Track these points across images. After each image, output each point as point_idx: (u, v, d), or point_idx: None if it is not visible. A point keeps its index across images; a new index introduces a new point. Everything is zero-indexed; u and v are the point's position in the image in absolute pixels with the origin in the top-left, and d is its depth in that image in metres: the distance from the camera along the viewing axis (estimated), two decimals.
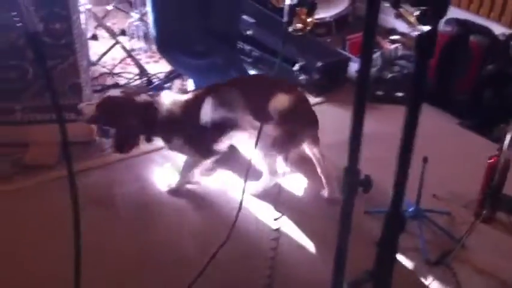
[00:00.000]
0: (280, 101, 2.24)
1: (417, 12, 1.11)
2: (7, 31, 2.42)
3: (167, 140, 2.33)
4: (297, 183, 2.56)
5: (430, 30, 1.12)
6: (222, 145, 2.38)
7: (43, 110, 2.61)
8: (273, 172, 2.37)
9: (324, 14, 3.92)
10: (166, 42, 2.48)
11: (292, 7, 1.93)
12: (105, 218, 2.30)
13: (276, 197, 2.23)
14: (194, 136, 2.29)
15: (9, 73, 2.53)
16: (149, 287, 2.01)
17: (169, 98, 2.31)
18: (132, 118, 2.22)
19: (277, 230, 2.02)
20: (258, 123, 2.14)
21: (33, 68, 2.52)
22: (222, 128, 2.30)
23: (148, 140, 2.32)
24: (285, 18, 1.96)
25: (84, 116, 2.26)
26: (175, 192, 2.46)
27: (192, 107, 2.27)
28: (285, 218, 2.23)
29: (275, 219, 2.07)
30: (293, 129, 2.29)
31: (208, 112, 2.24)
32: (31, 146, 2.63)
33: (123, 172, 2.59)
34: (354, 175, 1.38)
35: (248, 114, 2.25)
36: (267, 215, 2.33)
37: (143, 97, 2.27)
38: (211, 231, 2.25)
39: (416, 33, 1.13)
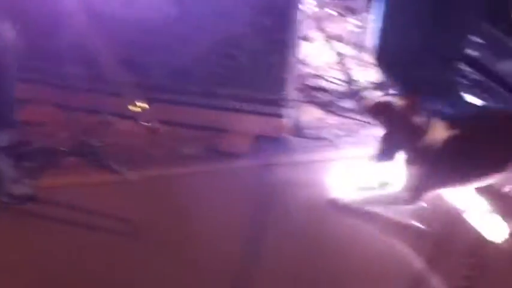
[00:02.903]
0: None
1: None
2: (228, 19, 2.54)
3: (415, 164, 2.20)
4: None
5: None
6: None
7: (245, 100, 2.69)
8: None
9: None
10: (387, 53, 2.41)
11: None
12: (276, 214, 2.26)
13: None
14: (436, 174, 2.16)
15: (221, 60, 2.64)
16: None
17: (439, 128, 2.18)
18: (406, 132, 2.18)
19: None
20: None
21: (242, 56, 2.59)
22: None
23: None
24: None
25: (365, 109, 2.33)
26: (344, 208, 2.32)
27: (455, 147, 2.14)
28: None
29: None
30: None
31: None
32: (227, 133, 2.72)
33: (305, 174, 2.53)
34: None
35: None
36: None
37: (419, 119, 2.19)
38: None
39: None
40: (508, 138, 2.17)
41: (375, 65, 2.58)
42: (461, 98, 2.56)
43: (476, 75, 3.18)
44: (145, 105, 2.48)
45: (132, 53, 2.67)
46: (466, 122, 2.26)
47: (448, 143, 2.13)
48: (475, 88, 3.16)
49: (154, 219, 2.17)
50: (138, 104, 2.47)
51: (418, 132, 2.14)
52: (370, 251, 2.13)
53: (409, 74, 2.35)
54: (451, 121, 2.20)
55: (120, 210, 2.17)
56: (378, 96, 2.38)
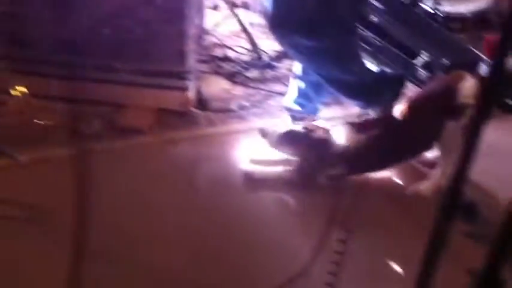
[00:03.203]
0: None
1: None
2: None
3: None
4: None
5: None
6: None
7: (144, 73, 2.57)
8: None
9: (462, 8, 3.55)
10: (280, 18, 2.31)
11: None
12: (181, 189, 2.22)
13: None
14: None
15: (116, 31, 2.49)
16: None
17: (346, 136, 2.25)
18: (311, 152, 2.21)
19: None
20: None
21: (139, 28, 2.47)
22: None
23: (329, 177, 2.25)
24: None
25: (268, 140, 2.28)
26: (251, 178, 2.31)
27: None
28: None
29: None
30: None
31: None
32: (127, 108, 2.61)
33: (211, 147, 2.49)
34: (455, 197, 1.12)
35: None
36: None
37: (319, 133, 2.25)
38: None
39: None
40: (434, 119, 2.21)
41: (270, 34, 2.49)
42: (362, 65, 2.54)
43: (377, 41, 3.22)
44: (24, 90, 2.32)
45: (21, 27, 2.48)
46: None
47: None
48: (376, 54, 3.21)
49: (52, 203, 2.04)
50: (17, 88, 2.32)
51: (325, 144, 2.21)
52: (276, 222, 2.12)
53: (305, 42, 2.27)
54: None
55: (17, 195, 2.04)
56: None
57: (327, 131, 2.27)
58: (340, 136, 2.24)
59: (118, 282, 1.78)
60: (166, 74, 2.55)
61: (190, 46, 2.54)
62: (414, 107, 2.25)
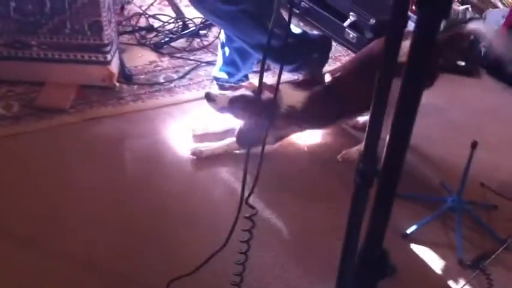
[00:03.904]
0: None
1: None
2: None
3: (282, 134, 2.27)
4: None
5: None
6: None
7: (61, 48, 2.42)
8: None
9: None
10: None
11: None
12: (107, 170, 2.14)
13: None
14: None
15: (26, 5, 2.33)
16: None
17: (289, 94, 2.23)
18: (258, 116, 2.12)
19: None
20: None
21: (51, 1, 2.31)
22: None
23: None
24: None
25: (216, 104, 2.18)
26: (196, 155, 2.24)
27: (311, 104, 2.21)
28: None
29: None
30: None
31: None
32: (45, 86, 2.46)
33: (138, 124, 2.39)
34: (371, 163, 1.09)
35: None
36: None
37: (267, 94, 2.16)
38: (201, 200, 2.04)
39: None
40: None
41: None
42: (285, 27, 2.44)
43: (304, 3, 3.17)
44: None
45: None
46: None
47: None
48: (304, 16, 3.16)
49: None
50: None
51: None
52: (204, 197, 2.07)
53: (222, 7, 2.17)
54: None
55: None
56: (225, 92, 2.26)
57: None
58: (284, 96, 2.21)
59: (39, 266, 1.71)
60: (84, 47, 2.41)
61: (108, 17, 2.40)
62: (350, 68, 2.24)
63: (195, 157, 2.21)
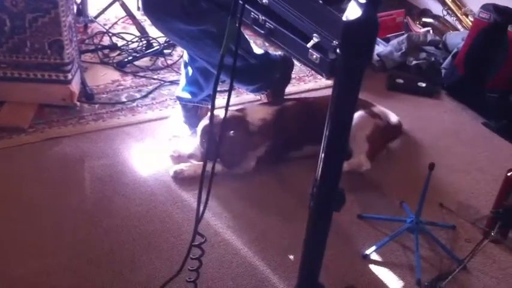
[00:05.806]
0: None
1: None
2: None
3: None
4: None
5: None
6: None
7: (21, 67, 2.39)
8: None
9: None
10: (153, 5, 2.17)
11: None
12: (65, 191, 2.10)
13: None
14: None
15: None
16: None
17: (256, 109, 2.30)
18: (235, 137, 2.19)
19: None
20: None
21: (11, 20, 2.28)
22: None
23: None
24: None
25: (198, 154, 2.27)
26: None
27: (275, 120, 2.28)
28: None
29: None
30: None
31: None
32: (4, 105, 2.42)
33: (98, 144, 2.35)
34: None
35: None
36: None
37: (233, 113, 2.24)
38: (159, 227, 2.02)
39: None
40: None
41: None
42: (247, 47, 2.45)
43: (270, 24, 3.20)
44: None
45: None
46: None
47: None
48: (268, 36, 3.19)
49: None
50: None
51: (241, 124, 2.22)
52: (169, 218, 2.05)
53: (183, 27, 2.15)
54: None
55: None
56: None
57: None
58: (250, 112, 2.26)
59: None
60: (44, 66, 2.38)
61: (69, 36, 2.38)
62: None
63: (180, 178, 2.21)
